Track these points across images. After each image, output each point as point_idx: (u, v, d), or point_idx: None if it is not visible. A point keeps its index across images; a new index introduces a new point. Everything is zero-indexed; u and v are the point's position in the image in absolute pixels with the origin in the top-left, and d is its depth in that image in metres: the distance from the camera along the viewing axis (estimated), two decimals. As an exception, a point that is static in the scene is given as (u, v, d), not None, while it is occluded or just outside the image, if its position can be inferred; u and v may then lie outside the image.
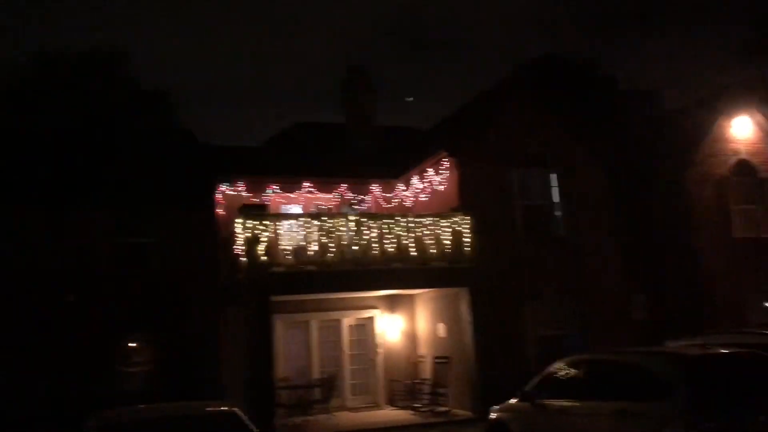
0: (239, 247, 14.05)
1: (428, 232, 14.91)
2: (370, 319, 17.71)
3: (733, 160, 18.28)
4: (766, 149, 18.56)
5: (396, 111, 67.62)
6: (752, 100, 18.74)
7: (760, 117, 18.57)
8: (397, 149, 20.89)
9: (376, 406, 17.09)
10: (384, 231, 14.57)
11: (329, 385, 15.89)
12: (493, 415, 10.16)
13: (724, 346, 8.20)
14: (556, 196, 16.75)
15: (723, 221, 17.77)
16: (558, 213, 16.69)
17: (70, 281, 16.74)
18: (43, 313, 16.40)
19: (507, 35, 77.73)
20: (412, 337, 17.75)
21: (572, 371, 9.03)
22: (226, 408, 6.28)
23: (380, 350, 17.55)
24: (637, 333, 16.11)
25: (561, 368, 9.24)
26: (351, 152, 20.11)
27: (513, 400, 9.86)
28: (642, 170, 18.72)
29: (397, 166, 18.91)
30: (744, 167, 18.33)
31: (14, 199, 17.10)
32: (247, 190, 17.18)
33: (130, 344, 17.44)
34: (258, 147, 21.17)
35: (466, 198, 15.71)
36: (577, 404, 8.40)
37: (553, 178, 16.83)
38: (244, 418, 6.10)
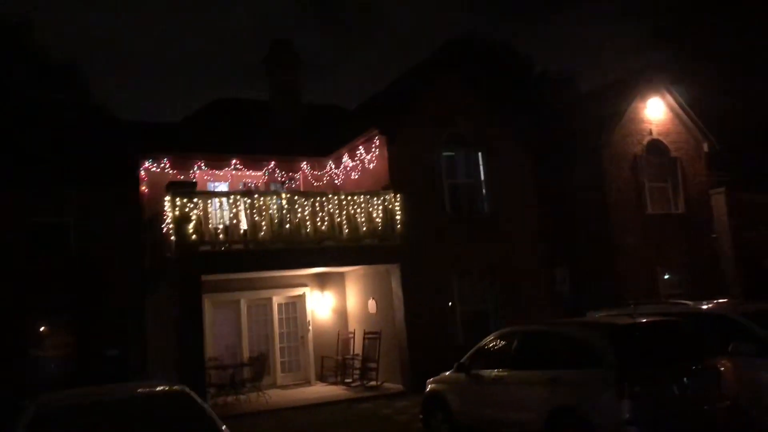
0: (167, 225, 13.69)
1: (360, 210, 14.99)
2: (301, 297, 17.71)
3: (646, 139, 19.27)
4: (676, 130, 19.65)
5: (316, 89, 67.05)
6: (664, 82, 19.76)
7: (671, 99, 19.60)
8: (323, 127, 20.77)
9: (307, 382, 17.17)
10: (316, 209, 14.53)
11: (260, 363, 15.80)
12: (429, 387, 10.40)
13: (646, 316, 8.71)
14: (482, 175, 17.15)
15: (637, 198, 18.75)
16: (483, 191, 17.11)
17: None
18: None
19: (425, 15, 78.16)
20: (342, 314, 17.87)
21: (505, 343, 9.37)
22: (177, 388, 6.17)
23: (311, 327, 17.60)
24: (558, 306, 16.85)
25: (494, 340, 9.59)
26: (277, 129, 19.83)
27: (448, 373, 10.14)
28: (562, 149, 19.45)
29: (325, 144, 18.83)
30: (656, 146, 19.36)
31: None
32: (172, 167, 16.70)
33: (45, 328, 16.77)
34: (180, 123, 20.47)
35: (396, 176, 15.85)
36: (511, 373, 8.75)
37: (479, 156, 17.21)
38: (196, 397, 6.04)
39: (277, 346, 17.27)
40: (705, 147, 19.89)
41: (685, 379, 7.50)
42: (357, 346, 16.95)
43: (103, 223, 16.70)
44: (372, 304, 16.68)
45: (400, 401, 14.02)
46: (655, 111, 19.53)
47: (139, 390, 6.28)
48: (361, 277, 17.32)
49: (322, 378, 17.25)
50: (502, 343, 9.42)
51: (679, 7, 28.06)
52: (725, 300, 12.04)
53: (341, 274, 17.91)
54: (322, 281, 17.86)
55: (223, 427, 5.70)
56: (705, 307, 9.90)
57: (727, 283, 19.28)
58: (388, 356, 15.74)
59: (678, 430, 7.26)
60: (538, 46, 68.51)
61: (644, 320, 8.25)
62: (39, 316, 16.51)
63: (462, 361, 9.77)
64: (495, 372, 9.01)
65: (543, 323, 10.10)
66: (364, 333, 16.58)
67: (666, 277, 18.73)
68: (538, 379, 8.19)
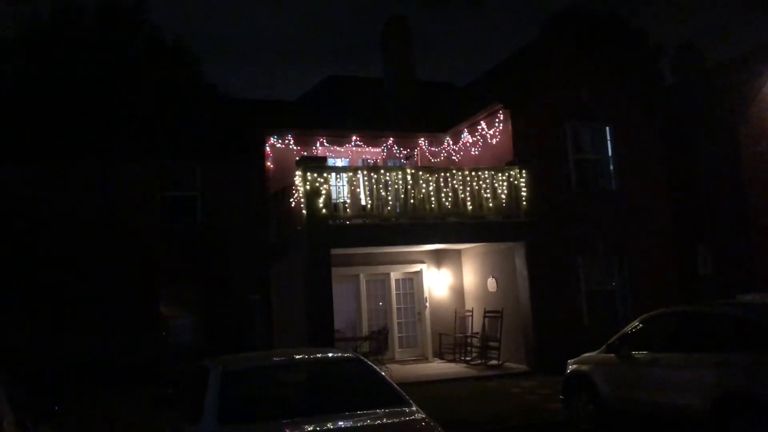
0: (296, 199, 13.92)
1: (485, 186, 14.74)
2: (418, 273, 17.69)
3: (787, 114, 17.90)
4: (821, 103, 18.15)
5: (425, 66, 66.83)
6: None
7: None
8: (437, 103, 20.57)
9: (424, 359, 17.19)
10: (440, 184, 14.40)
11: (382, 337, 15.95)
12: (571, 368, 10.10)
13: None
14: (609, 149, 16.50)
15: (776, 177, 17.50)
16: (611, 166, 16.46)
17: (114, 234, 16.75)
18: (85, 264, 16.44)
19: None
20: (458, 292, 17.74)
21: (660, 324, 8.96)
22: (351, 355, 6.23)
23: (427, 304, 17.58)
24: (695, 288, 16.04)
25: (647, 321, 9.16)
26: (393, 106, 19.79)
27: (594, 353, 9.81)
28: (692, 124, 18.41)
29: (441, 120, 18.63)
30: (798, 121, 17.95)
31: (57, 151, 16.97)
32: (296, 143, 16.96)
33: (176, 297, 17.53)
34: (298, 101, 20.83)
35: (520, 151, 15.47)
36: (670, 356, 8.33)
37: (606, 131, 16.56)
38: (372, 364, 6.06)
39: (395, 321, 17.36)
40: None
41: None
42: (476, 325, 16.79)
43: (230, 196, 17.29)
44: (492, 283, 16.44)
45: (527, 381, 13.77)
46: (798, 83, 18.08)
47: (318, 355, 6.36)
48: (479, 255, 17.10)
49: (439, 355, 17.22)
50: (657, 324, 9.00)
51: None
52: None
53: (458, 252, 17.75)
54: (438, 258, 17.77)
55: (403, 393, 5.68)
56: None
57: None
58: (509, 335, 15.49)
59: None
60: (648, 23, 65.37)
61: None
62: (170, 287, 17.27)
63: (612, 341, 9.41)
64: (651, 354, 8.62)
65: (702, 305, 9.54)
66: (484, 311, 16.38)
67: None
68: (703, 362, 7.76)
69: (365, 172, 13.95)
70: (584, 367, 9.81)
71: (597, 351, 9.71)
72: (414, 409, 5.34)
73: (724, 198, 17.56)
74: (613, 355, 9.25)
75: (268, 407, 5.50)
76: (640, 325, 9.18)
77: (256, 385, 5.79)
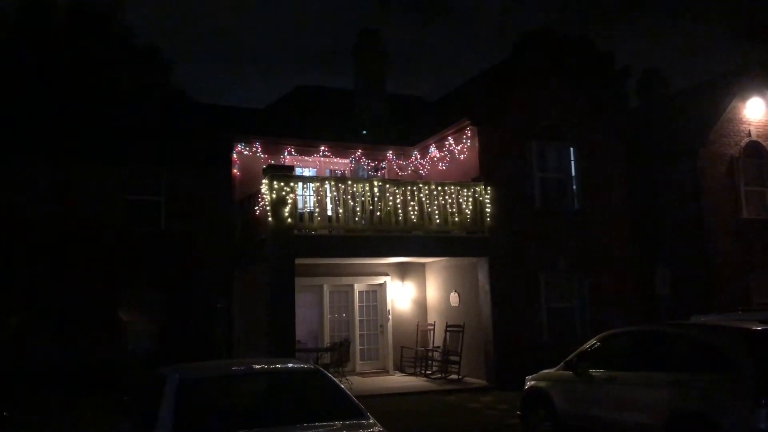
0: (262, 207, 13.84)
1: (451, 201, 14.85)
2: (381, 285, 17.71)
3: (744, 141, 18.46)
4: (777, 132, 18.76)
5: (399, 80, 67.03)
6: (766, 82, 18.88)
7: (774, 99, 18.72)
8: (406, 117, 20.68)
9: (385, 371, 17.18)
10: (407, 197, 14.46)
11: (344, 349, 15.88)
12: (529, 384, 10.18)
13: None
14: (573, 169, 16.78)
15: (733, 201, 18.00)
16: (574, 186, 16.73)
17: (76, 236, 16.45)
18: (45, 267, 16.11)
19: (498, 7, 77.13)
20: (421, 305, 17.80)
21: (618, 342, 9.10)
22: (309, 366, 6.18)
23: (390, 317, 17.58)
24: (653, 308, 16.35)
25: (605, 339, 9.29)
26: (363, 118, 19.84)
27: (551, 370, 9.91)
28: (654, 148, 18.85)
29: (410, 134, 18.75)
30: (755, 149, 18.53)
31: (17, 152, 16.62)
32: (264, 152, 16.88)
33: (137, 303, 17.22)
34: (266, 109, 20.72)
35: (486, 168, 15.64)
36: (627, 374, 8.44)
37: (571, 151, 16.84)
38: (331, 376, 6.03)
39: (357, 333, 17.33)
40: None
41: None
42: (436, 339, 16.84)
43: (196, 202, 17.11)
44: (455, 297, 16.53)
45: (485, 396, 13.86)
46: (756, 111, 18.69)
47: (277, 365, 6.31)
48: (442, 269, 17.19)
49: (400, 368, 17.22)
50: (615, 342, 9.13)
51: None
52: None
53: (422, 265, 17.82)
54: (402, 271, 17.81)
55: (361, 406, 5.66)
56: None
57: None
58: (470, 350, 15.58)
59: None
60: (615, 45, 66.80)
61: (780, 326, 7.85)
62: (130, 292, 16.97)
63: (570, 358, 9.52)
64: (608, 372, 8.73)
65: (658, 325, 9.73)
66: (446, 325, 16.45)
67: (757, 284, 17.91)
68: (659, 382, 7.89)
69: (332, 183, 13.95)
70: (542, 384, 9.89)
71: (555, 368, 9.81)
72: (372, 422, 5.33)
73: (683, 220, 17.98)
74: (570, 372, 9.34)
75: (225, 418, 5.42)
76: (598, 343, 9.31)
77: (214, 395, 5.72)
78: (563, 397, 9.37)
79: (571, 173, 16.79)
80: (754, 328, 7.75)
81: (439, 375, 15.91)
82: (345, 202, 13.90)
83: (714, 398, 7.25)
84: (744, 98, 18.50)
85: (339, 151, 17.76)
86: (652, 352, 8.46)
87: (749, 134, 18.51)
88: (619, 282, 16.44)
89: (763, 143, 18.59)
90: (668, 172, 18.49)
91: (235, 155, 16.86)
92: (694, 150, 17.93)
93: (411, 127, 19.50)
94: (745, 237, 17.87)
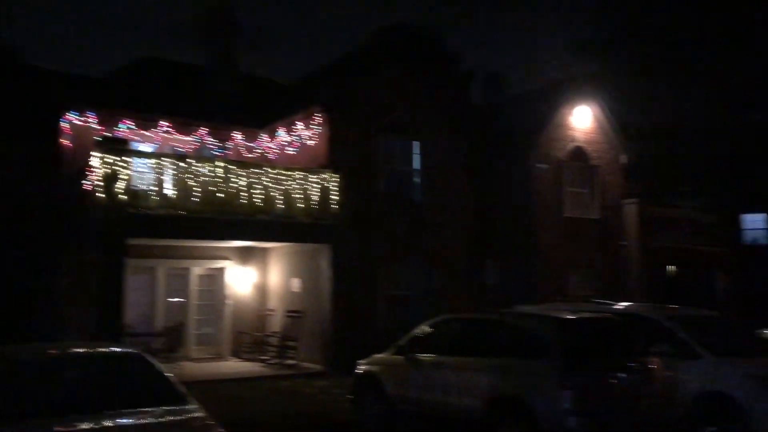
0: (93, 182, 12.95)
1: (297, 186, 14.77)
2: (221, 269, 17.27)
3: (570, 145, 20.02)
4: (599, 139, 20.54)
5: (257, 61, 65.01)
6: (593, 92, 20.58)
7: (597, 109, 20.46)
8: (257, 99, 20.25)
9: (220, 357, 16.80)
10: (253, 180, 14.19)
11: (175, 334, 15.32)
12: (361, 369, 10.38)
13: (587, 312, 9.09)
14: (418, 163, 17.32)
15: (557, 201, 19.48)
16: (418, 179, 17.27)
17: None
18: None
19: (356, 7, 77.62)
20: (262, 291, 17.59)
21: (447, 328, 9.52)
22: (131, 350, 5.88)
23: (229, 302, 17.21)
24: (482, 298, 17.29)
25: (435, 325, 9.70)
26: (211, 96, 19.17)
27: (382, 354, 10.18)
28: (492, 148, 19.92)
29: (260, 116, 18.39)
30: (579, 153, 20.16)
31: None
32: (99, 123, 15.77)
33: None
34: (106, 78, 19.38)
35: (334, 156, 15.73)
36: (453, 359, 8.88)
37: (416, 145, 17.36)
38: (153, 360, 5.78)
39: (193, 318, 16.78)
40: (623, 159, 20.91)
41: (621, 373, 7.89)
42: (276, 324, 16.73)
43: (18, 174, 15.60)
44: (296, 283, 16.50)
45: (320, 381, 13.98)
46: (581, 119, 20.32)
47: (98, 349, 5.94)
48: (285, 255, 17.09)
49: (236, 354, 16.92)
50: (443, 328, 9.55)
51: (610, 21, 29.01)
52: (649, 303, 12.74)
53: (264, 250, 17.60)
54: (244, 256, 17.48)
55: (183, 389, 5.49)
56: (620, 307, 10.46)
57: (631, 287, 20.37)
58: (310, 336, 15.64)
59: (614, 421, 7.62)
60: (462, 46, 69.68)
61: (588, 316, 8.61)
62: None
63: (400, 343, 9.83)
64: (436, 357, 9.12)
65: (485, 312, 10.30)
66: (286, 311, 16.38)
67: (575, 277, 19.57)
68: (482, 366, 8.37)
69: (172, 160, 13.34)
70: (373, 368, 10.14)
71: (386, 352, 10.09)
72: (194, 407, 5.18)
73: (514, 216, 19.19)
74: (401, 357, 9.66)
75: (39, 404, 5.09)
76: (428, 329, 9.70)
77: (28, 380, 5.30)
78: (393, 381, 9.67)
79: (415, 167, 17.32)
80: (564, 317, 8.45)
81: (276, 360, 15.81)
82: (185, 181, 13.36)
83: (528, 382, 7.83)
84: (571, 106, 20.05)
85: (182, 127, 17.03)
86: (476, 339, 8.95)
87: (574, 140, 20.11)
88: (457, 273, 17.22)
89: (586, 148, 20.27)
90: (504, 171, 19.62)
91: (67, 125, 15.60)
92: (525, 152, 19.18)
93: (263, 109, 19.12)
94: (566, 234, 19.42)
